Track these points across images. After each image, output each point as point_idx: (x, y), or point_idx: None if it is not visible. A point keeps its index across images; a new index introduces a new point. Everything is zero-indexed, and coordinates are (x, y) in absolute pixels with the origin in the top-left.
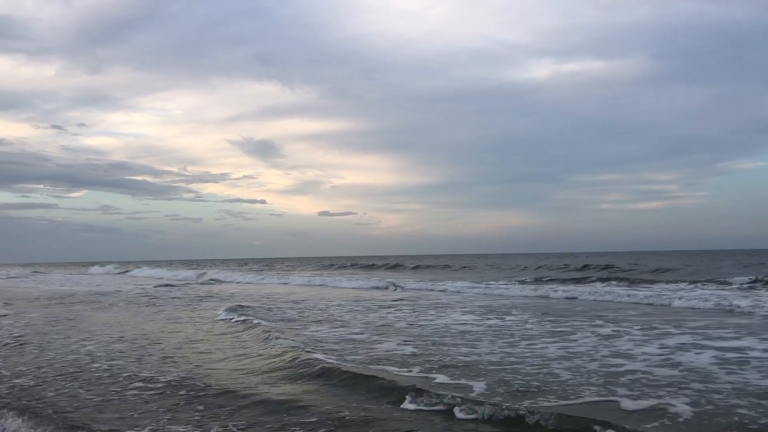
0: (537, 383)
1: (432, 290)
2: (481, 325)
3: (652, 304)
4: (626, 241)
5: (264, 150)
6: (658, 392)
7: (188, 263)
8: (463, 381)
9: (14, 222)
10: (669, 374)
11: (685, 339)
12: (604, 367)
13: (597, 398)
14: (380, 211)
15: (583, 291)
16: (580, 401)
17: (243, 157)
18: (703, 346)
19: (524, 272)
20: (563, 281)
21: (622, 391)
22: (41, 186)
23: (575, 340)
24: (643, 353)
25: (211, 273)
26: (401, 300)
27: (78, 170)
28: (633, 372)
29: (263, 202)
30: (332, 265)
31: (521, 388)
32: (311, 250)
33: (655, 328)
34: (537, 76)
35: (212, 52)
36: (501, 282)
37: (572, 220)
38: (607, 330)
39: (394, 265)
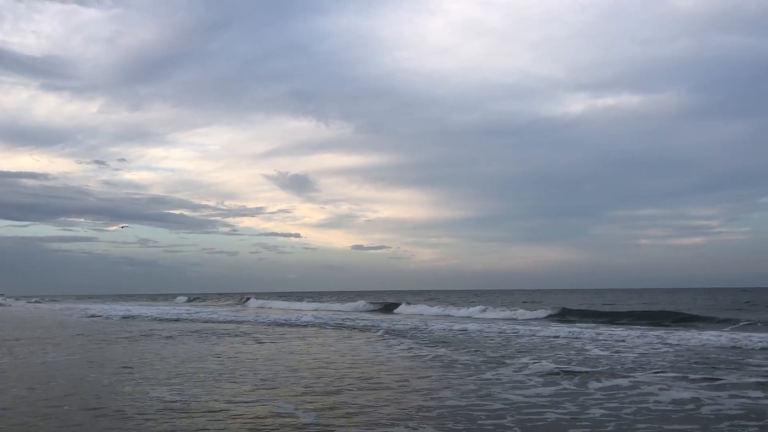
0: None
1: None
2: None
3: None
4: (665, 278)
5: (299, 184)
6: None
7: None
8: None
9: (57, 255)
10: None
11: None
12: None
13: None
14: (414, 246)
15: None
16: None
17: (278, 192)
18: None
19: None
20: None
21: None
22: (82, 219)
23: None
24: None
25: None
26: None
27: (118, 204)
28: None
29: (297, 236)
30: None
31: None
32: (345, 284)
33: None
34: (573, 110)
35: (250, 89)
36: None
37: (610, 255)
38: None
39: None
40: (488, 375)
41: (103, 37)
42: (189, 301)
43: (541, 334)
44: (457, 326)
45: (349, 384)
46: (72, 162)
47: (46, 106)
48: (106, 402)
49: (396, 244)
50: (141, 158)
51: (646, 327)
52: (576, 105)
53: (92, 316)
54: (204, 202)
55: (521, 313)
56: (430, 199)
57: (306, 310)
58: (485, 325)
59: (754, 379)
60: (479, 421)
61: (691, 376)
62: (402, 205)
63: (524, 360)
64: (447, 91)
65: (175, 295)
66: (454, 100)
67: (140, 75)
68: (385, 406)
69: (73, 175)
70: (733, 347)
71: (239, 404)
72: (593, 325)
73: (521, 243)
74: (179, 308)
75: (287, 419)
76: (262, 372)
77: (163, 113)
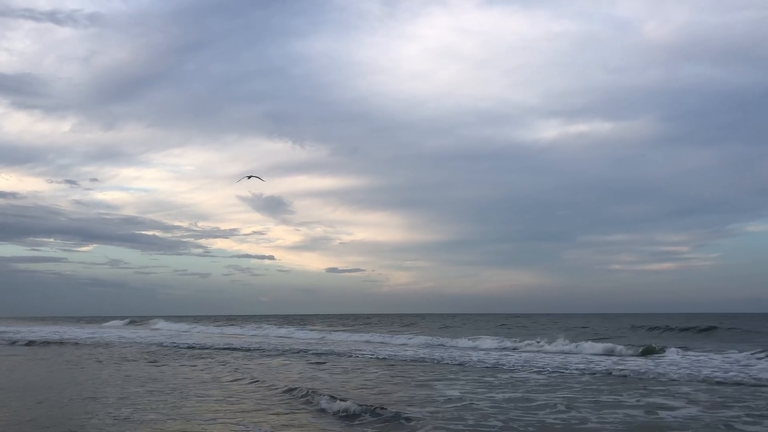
0: None
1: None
2: None
3: None
4: (637, 303)
5: (273, 206)
6: None
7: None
8: None
9: (23, 275)
10: None
11: None
12: None
13: None
14: (389, 269)
15: None
16: None
17: (252, 213)
18: None
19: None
20: None
21: None
22: (52, 240)
23: None
24: None
25: None
26: None
27: (89, 224)
28: None
29: (271, 258)
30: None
31: None
32: (319, 307)
33: None
34: (546, 136)
35: (225, 110)
36: None
37: (583, 280)
38: None
39: None
40: None
41: (78, 56)
42: (129, 323)
43: None
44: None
45: None
46: (42, 181)
47: (17, 125)
48: None
49: (371, 267)
50: (113, 178)
51: None
52: (549, 131)
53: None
54: (177, 223)
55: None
56: (404, 222)
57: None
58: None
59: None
60: None
61: None
62: (377, 228)
63: None
64: (422, 116)
65: (124, 317)
66: (429, 124)
67: (114, 94)
68: None
69: (43, 195)
70: None
71: None
72: None
73: (495, 267)
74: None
75: None
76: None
77: (137, 133)
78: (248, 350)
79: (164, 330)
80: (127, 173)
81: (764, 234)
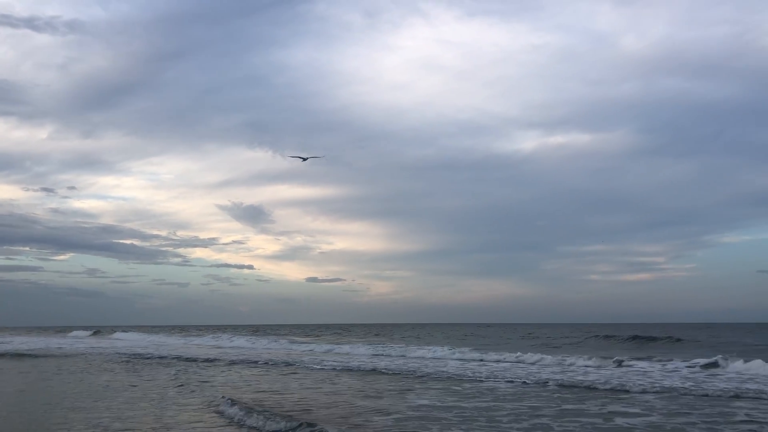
0: None
1: None
2: None
3: None
4: (614, 313)
5: (253, 215)
6: None
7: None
8: None
9: None
10: None
11: None
12: None
13: None
14: (369, 278)
15: None
16: None
17: (232, 222)
18: None
19: None
20: None
21: None
22: (27, 248)
23: None
24: None
25: None
26: None
27: (66, 233)
28: None
29: (251, 267)
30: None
31: None
32: (298, 316)
33: None
34: (525, 147)
35: (205, 119)
36: None
37: (561, 290)
38: None
39: None
40: None
41: (56, 63)
42: (94, 334)
43: None
44: None
45: None
46: (18, 189)
47: None
48: None
49: (351, 276)
50: (91, 186)
51: None
52: (528, 142)
53: None
54: (155, 232)
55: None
56: (385, 231)
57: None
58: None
59: None
60: None
61: None
62: (357, 238)
63: None
64: (403, 126)
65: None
66: (410, 134)
67: (93, 102)
68: None
69: (18, 203)
70: None
71: None
72: None
73: (475, 276)
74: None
75: None
76: None
77: (116, 141)
78: (195, 360)
79: (123, 341)
80: (105, 181)
81: (739, 245)
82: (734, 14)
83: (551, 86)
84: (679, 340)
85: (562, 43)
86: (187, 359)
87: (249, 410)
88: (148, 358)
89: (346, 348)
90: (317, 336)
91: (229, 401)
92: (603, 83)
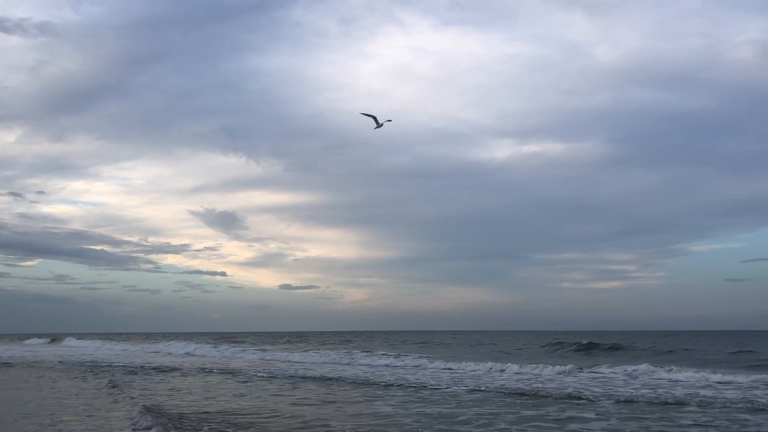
0: None
1: None
2: None
3: None
4: (587, 320)
5: (226, 222)
6: None
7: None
8: None
9: None
10: None
11: None
12: None
13: None
14: (343, 285)
15: None
16: None
17: (205, 229)
18: None
19: None
20: None
21: None
22: None
23: None
24: None
25: None
26: None
27: (34, 238)
28: None
29: (223, 274)
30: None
31: None
32: (272, 324)
33: None
34: (499, 156)
35: (178, 124)
36: None
37: (534, 297)
38: None
39: None
40: None
41: (26, 66)
42: (51, 342)
43: None
44: None
45: None
46: None
47: None
48: None
49: (325, 283)
50: (61, 191)
51: None
52: (502, 151)
53: None
54: (126, 238)
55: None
56: (360, 239)
57: None
58: None
59: None
60: None
61: None
62: (332, 245)
63: None
64: (378, 133)
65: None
66: (385, 142)
67: (64, 106)
68: None
69: None
70: None
71: None
72: None
73: (449, 284)
74: None
75: None
76: None
77: (87, 145)
78: (143, 368)
79: (74, 347)
80: (75, 186)
81: (708, 254)
82: (704, 27)
83: (525, 95)
84: (620, 348)
85: (536, 53)
86: (130, 367)
87: (157, 417)
88: (91, 366)
89: (296, 356)
90: (285, 343)
91: (142, 412)
92: (576, 93)
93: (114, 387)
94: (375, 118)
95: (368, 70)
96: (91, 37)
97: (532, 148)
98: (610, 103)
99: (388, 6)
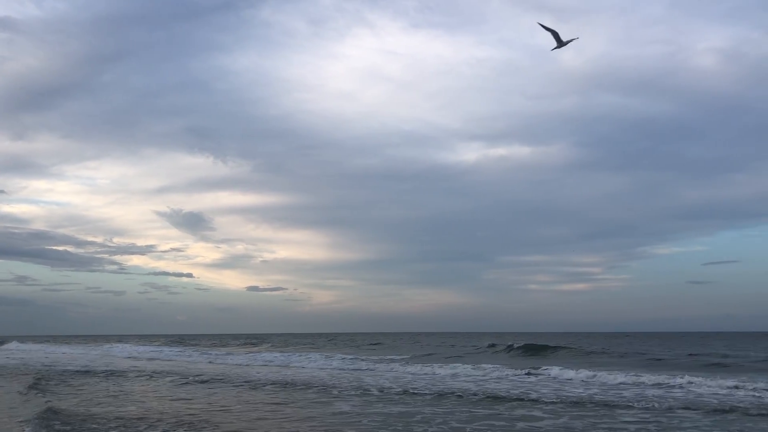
0: None
1: None
2: None
3: None
4: (553, 322)
5: (193, 222)
6: None
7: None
8: None
9: None
10: None
11: None
12: None
13: None
14: (311, 287)
15: None
16: None
17: (171, 229)
18: None
19: None
20: None
21: None
22: None
23: None
24: None
25: None
26: None
27: None
28: None
29: (190, 275)
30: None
31: None
32: (238, 326)
33: None
34: (467, 158)
35: (144, 123)
36: None
37: (501, 299)
38: None
39: None
40: None
41: None
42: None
43: None
44: None
45: None
46: None
47: None
48: None
49: (293, 285)
50: (23, 190)
51: None
52: (470, 154)
53: None
54: (90, 239)
55: None
56: (328, 240)
57: None
58: None
59: None
60: None
61: None
62: (300, 246)
63: None
64: (347, 135)
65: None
66: (354, 143)
67: (25, 103)
68: None
69: None
70: None
71: None
72: None
73: (417, 286)
74: None
75: None
76: None
77: (50, 144)
78: (69, 371)
79: (12, 350)
80: (37, 185)
81: (670, 257)
82: (668, 34)
83: (493, 99)
84: (548, 348)
85: (504, 57)
86: (61, 370)
87: (47, 421)
88: (22, 370)
89: (240, 358)
90: (238, 346)
91: (38, 419)
92: (543, 97)
93: (32, 389)
94: (556, 34)
95: (337, 71)
96: (54, 33)
97: (500, 151)
98: (577, 108)
99: (358, 7)
